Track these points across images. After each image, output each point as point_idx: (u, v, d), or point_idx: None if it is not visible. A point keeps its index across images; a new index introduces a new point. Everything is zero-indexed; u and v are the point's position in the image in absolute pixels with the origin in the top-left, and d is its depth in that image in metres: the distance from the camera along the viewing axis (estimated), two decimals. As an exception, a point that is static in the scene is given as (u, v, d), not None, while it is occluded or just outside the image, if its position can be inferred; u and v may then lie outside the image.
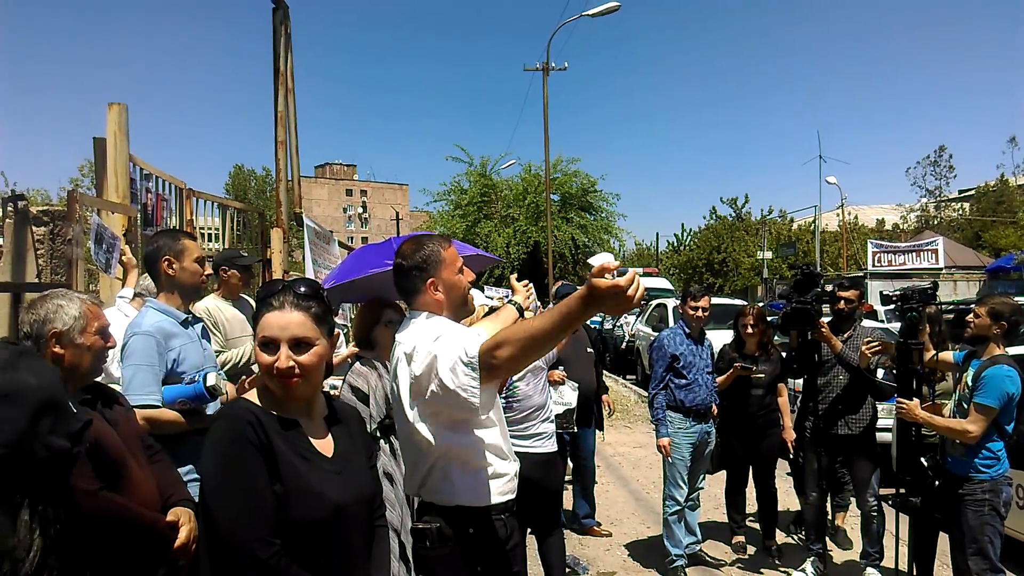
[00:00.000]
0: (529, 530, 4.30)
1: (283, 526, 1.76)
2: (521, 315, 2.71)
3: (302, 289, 1.91)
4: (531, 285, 2.91)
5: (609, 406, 6.71)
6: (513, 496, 2.39)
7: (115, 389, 2.60)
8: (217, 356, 3.62)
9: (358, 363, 3.64)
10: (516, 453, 3.72)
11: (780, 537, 5.62)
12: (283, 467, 1.78)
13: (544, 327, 1.88)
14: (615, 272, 1.77)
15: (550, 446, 4.03)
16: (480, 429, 2.27)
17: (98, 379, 2.46)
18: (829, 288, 5.19)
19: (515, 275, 3.14)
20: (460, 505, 2.25)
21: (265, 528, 1.73)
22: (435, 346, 2.11)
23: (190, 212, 6.19)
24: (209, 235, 8.08)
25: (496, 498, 2.29)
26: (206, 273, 3.20)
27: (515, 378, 3.91)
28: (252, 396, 1.90)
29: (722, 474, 5.73)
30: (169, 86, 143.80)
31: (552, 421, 4.15)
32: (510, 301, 2.82)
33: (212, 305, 4.20)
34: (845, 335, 4.94)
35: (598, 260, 4.98)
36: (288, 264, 9.53)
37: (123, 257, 4.44)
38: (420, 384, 2.13)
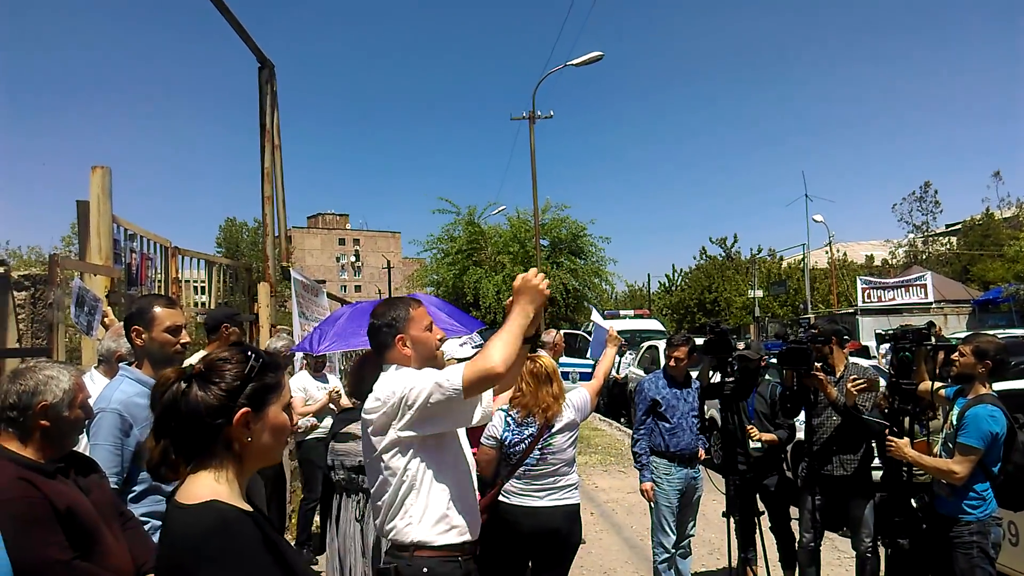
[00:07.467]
0: None
1: None
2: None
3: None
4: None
5: None
6: (471, 539, 2.49)
7: (89, 456, 2.57)
8: None
9: None
10: (548, 507, 3.85)
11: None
12: (291, 562, 1.60)
13: (512, 330, 2.36)
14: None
15: (577, 497, 4.03)
16: (446, 470, 2.45)
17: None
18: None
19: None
20: (416, 542, 2.37)
21: None
22: (414, 377, 2.38)
23: (175, 270, 6.21)
24: (197, 288, 8.09)
25: (453, 539, 2.42)
26: (182, 341, 2.97)
27: (554, 429, 3.92)
28: (203, 489, 1.53)
29: (714, 519, 5.64)
30: (158, 145, 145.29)
31: (575, 471, 4.12)
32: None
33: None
34: (837, 375, 4.92)
35: (597, 317, 5.10)
36: (279, 317, 9.53)
37: (105, 319, 4.43)
38: (402, 409, 2.34)
